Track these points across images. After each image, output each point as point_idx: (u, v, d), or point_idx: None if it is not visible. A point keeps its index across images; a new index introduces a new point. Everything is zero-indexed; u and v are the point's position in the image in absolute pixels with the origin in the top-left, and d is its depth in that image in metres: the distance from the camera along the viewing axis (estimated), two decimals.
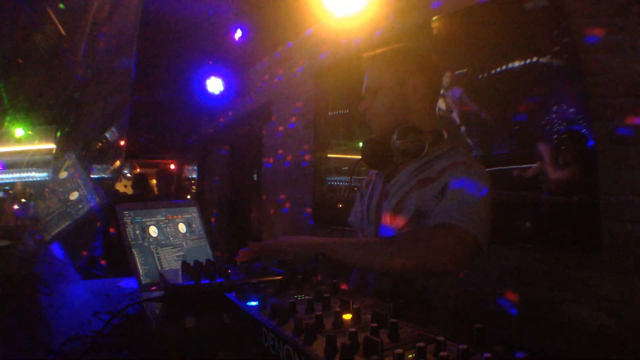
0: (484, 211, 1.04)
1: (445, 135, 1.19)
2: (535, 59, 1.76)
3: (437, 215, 1.04)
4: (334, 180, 3.13)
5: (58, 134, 1.47)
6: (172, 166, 11.90)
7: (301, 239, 1.10)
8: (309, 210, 3.40)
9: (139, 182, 4.76)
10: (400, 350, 0.48)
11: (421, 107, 1.18)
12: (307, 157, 3.46)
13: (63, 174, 1.51)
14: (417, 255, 0.99)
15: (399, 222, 1.13)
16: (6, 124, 1.29)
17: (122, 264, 1.28)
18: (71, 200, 1.52)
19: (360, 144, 1.25)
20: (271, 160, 4.09)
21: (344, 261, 1.04)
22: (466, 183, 1.06)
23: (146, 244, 1.32)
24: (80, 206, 1.53)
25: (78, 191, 1.53)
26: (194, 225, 1.46)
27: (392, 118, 1.17)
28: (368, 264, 1.05)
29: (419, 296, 1.10)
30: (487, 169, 1.16)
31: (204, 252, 1.43)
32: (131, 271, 1.26)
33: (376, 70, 1.21)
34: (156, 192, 4.94)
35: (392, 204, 1.16)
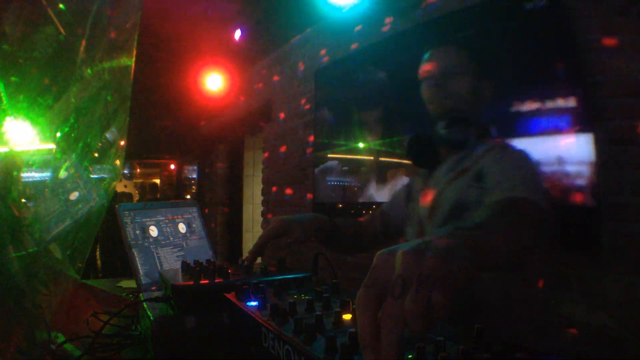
0: (540, 180, 0.98)
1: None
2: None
3: (497, 191, 0.93)
4: (334, 181, 3.12)
5: (58, 134, 1.47)
6: (172, 166, 11.90)
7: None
8: (308, 210, 3.40)
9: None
10: None
11: (480, 106, 1.21)
12: (306, 157, 3.46)
13: (63, 174, 1.51)
14: (524, 236, 0.78)
15: (439, 217, 1.12)
16: (6, 124, 1.29)
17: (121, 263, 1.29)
18: (71, 200, 1.52)
19: (407, 144, 1.25)
20: (271, 159, 4.09)
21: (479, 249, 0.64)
22: (513, 156, 1.04)
23: (146, 244, 1.32)
24: (80, 206, 1.52)
25: (78, 191, 1.53)
26: (194, 225, 1.46)
27: (457, 106, 1.16)
28: (509, 245, 0.70)
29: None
30: None
31: (204, 252, 1.43)
32: (131, 271, 1.26)
33: (464, 55, 1.20)
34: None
35: (432, 199, 1.15)
